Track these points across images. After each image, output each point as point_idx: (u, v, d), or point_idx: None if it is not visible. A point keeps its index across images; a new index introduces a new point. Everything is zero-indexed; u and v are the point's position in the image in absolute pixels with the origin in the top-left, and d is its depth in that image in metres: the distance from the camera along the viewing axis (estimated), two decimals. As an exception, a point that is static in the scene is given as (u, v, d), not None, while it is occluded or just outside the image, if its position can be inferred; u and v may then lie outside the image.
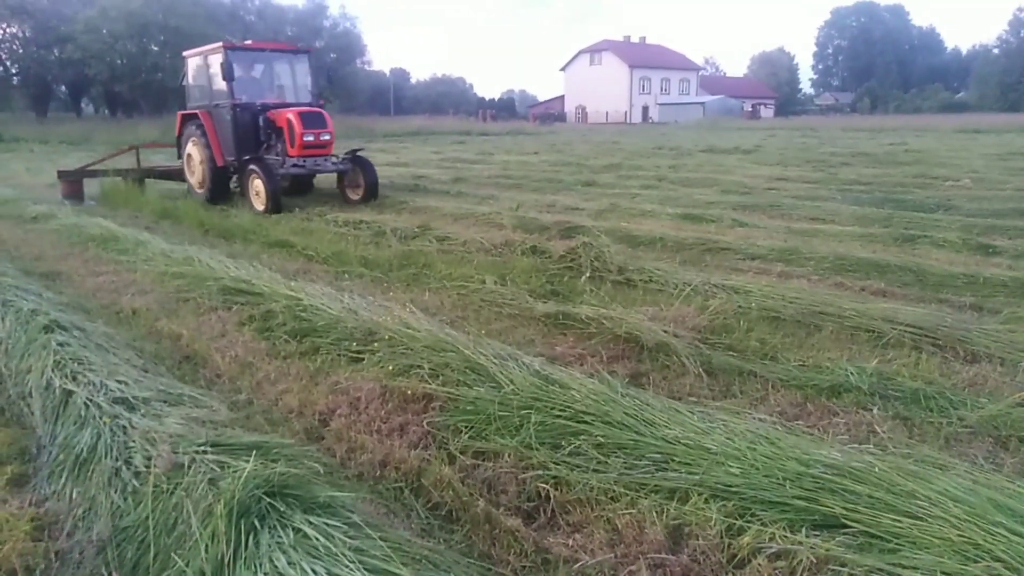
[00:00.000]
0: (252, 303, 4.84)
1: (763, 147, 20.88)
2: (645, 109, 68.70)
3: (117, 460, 2.60)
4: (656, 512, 2.35)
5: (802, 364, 3.70)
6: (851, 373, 3.46)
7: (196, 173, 11.21)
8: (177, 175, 12.03)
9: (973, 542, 1.98)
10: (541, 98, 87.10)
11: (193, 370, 3.86)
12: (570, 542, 2.31)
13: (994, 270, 5.49)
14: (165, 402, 3.04)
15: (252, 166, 9.93)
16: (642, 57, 71.97)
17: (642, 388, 3.45)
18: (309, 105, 10.70)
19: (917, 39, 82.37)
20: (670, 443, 2.67)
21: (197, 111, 10.89)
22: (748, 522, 2.25)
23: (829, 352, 3.88)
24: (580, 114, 69.83)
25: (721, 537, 2.22)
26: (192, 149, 11.09)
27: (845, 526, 2.15)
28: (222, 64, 10.12)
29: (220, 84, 10.62)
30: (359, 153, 11.01)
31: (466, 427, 3.02)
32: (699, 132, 35.51)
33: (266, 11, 56.52)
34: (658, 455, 2.62)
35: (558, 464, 2.66)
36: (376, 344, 3.84)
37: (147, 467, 2.46)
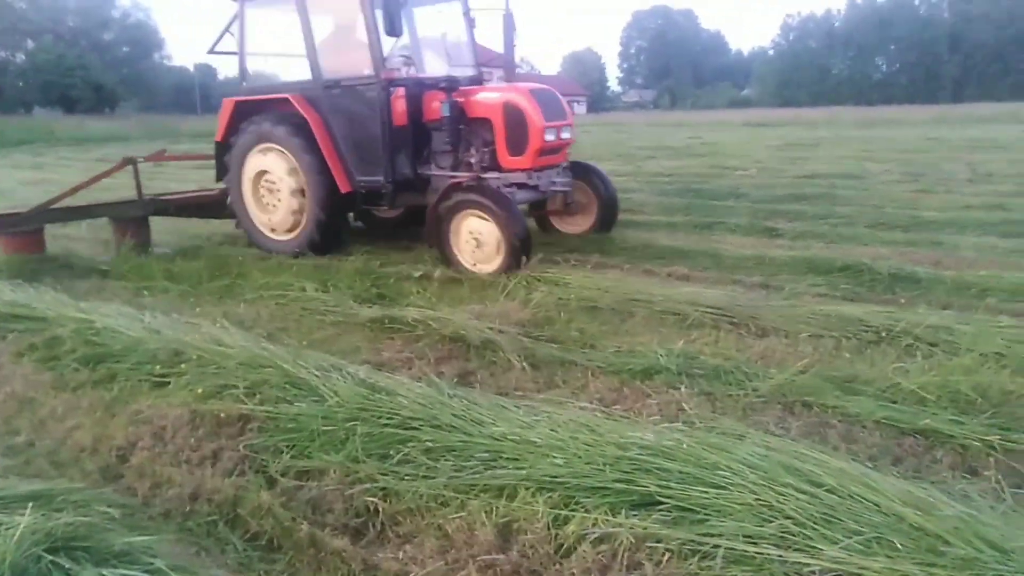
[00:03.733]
0: (33, 329, 4.27)
1: (578, 143, 21.87)
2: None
3: None
4: (486, 512, 2.35)
5: (618, 350, 3.90)
6: (661, 355, 3.69)
7: (279, 208, 6.51)
8: (210, 209, 7.48)
9: (768, 504, 2.17)
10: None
11: (-44, 414, 3.33)
12: (400, 555, 2.25)
13: (777, 251, 6.13)
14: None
15: (465, 195, 5.59)
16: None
17: (470, 387, 3.46)
18: (457, 80, 6.23)
19: (706, 41, 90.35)
20: (498, 440, 2.69)
21: (278, 97, 6.43)
22: (573, 510, 2.31)
23: (641, 337, 4.12)
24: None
25: (548, 529, 2.26)
26: (268, 165, 6.48)
27: (660, 503, 2.28)
28: (378, 7, 5.61)
29: (350, 44, 6.47)
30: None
31: (288, 446, 2.85)
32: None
33: (41, -3, 50.41)
34: (486, 454, 2.62)
35: (386, 475, 2.59)
36: (183, 365, 3.53)
37: None
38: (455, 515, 2.37)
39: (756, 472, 2.32)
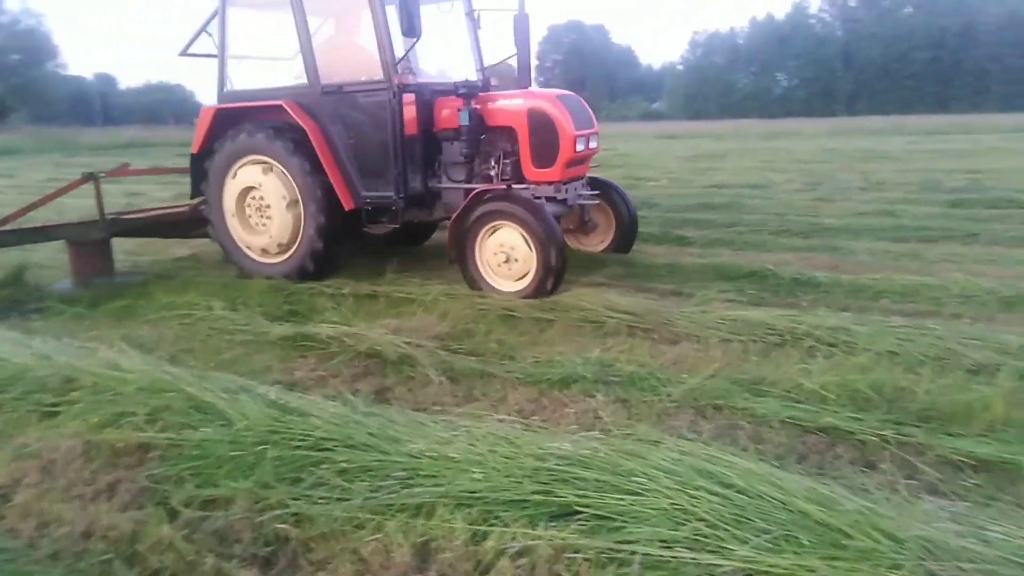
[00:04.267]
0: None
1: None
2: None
3: None
4: (403, 533, 2.29)
5: (537, 360, 3.91)
6: (579, 364, 3.73)
7: (268, 228, 5.91)
8: (179, 227, 6.79)
9: (682, 508, 2.21)
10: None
11: None
12: (313, 583, 2.17)
13: (688, 258, 6.32)
14: None
15: (496, 205, 5.14)
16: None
17: (387, 404, 3.40)
18: (476, 86, 5.76)
19: (618, 55, 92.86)
20: (415, 457, 2.63)
21: (269, 104, 5.79)
22: (492, 525, 2.29)
23: (560, 346, 4.15)
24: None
25: (467, 546, 2.23)
26: (257, 180, 5.84)
27: (578, 512, 2.28)
28: (390, 4, 5.32)
29: (354, 45, 6.03)
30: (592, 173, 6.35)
31: (192, 475, 2.71)
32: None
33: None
34: (403, 472, 2.57)
35: (298, 499, 2.49)
36: (76, 393, 3.31)
37: None
38: (371, 537, 2.30)
39: (670, 477, 2.36)
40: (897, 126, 30.16)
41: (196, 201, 6.55)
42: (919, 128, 28.17)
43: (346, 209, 5.66)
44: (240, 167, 5.96)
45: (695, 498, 2.25)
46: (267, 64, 6.56)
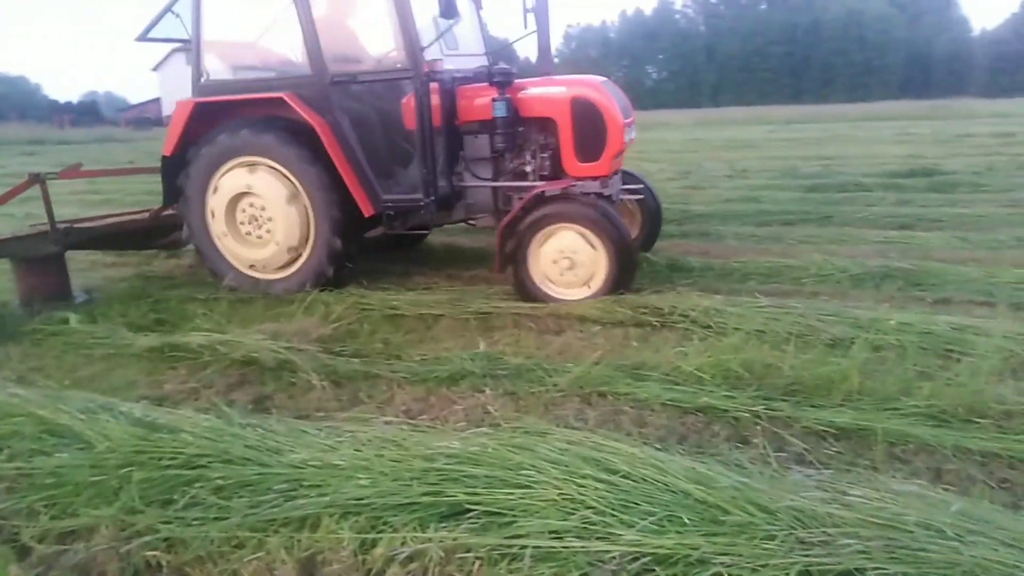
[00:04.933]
0: None
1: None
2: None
3: None
4: (286, 548, 2.19)
5: (423, 358, 3.86)
6: (466, 359, 3.71)
7: (267, 239, 5.25)
8: (139, 237, 6.00)
9: (570, 498, 2.24)
10: (133, 100, 77.72)
11: None
12: (189, 612, 2.03)
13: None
14: None
15: (559, 206, 4.69)
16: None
17: (266, 413, 3.24)
18: (511, 72, 4.97)
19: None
20: (298, 468, 2.52)
21: (265, 97, 5.12)
22: (380, 532, 2.23)
23: (447, 343, 4.12)
24: (183, 117, 63.67)
25: (355, 555, 2.16)
26: (253, 185, 5.14)
27: (469, 511, 2.26)
28: None
29: (368, 28, 5.44)
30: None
31: (46, 506, 2.47)
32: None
33: None
34: (286, 484, 2.45)
35: (170, 522, 2.33)
36: (-98, 425, 2.93)
37: None
38: (252, 556, 2.18)
39: (558, 467, 2.38)
40: (757, 116, 32.18)
41: (158, 207, 5.84)
42: (777, 118, 30.21)
43: (366, 216, 5.09)
44: (230, 170, 5.20)
45: (583, 487, 2.28)
46: (255, 51, 5.69)
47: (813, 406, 3.08)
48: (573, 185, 4.82)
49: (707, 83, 70.18)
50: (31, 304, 5.02)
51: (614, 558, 2.02)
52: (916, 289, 4.85)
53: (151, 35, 5.81)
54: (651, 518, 2.12)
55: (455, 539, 2.16)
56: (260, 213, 5.22)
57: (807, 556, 1.90)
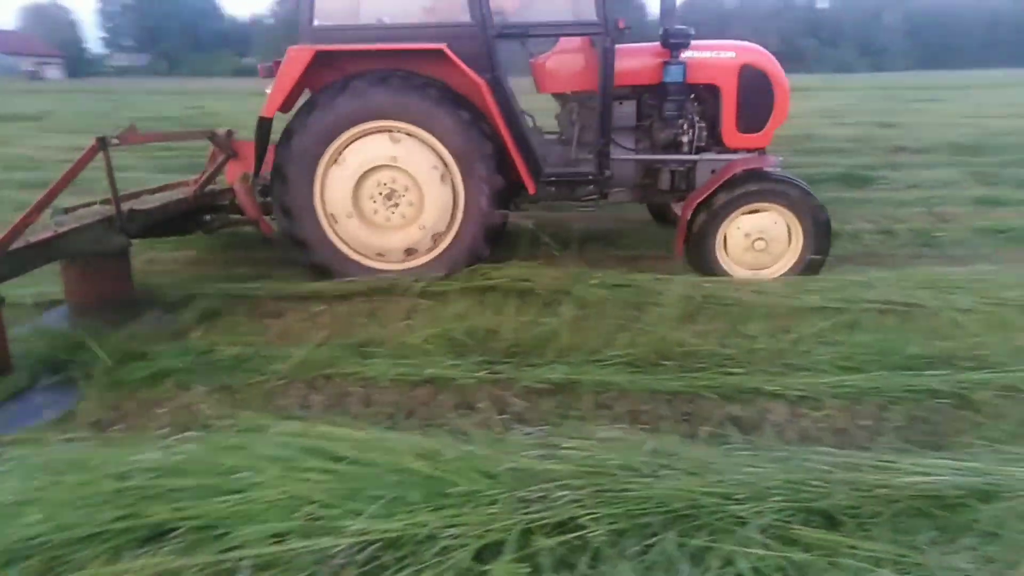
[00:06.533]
0: None
1: (54, 113, 18.42)
2: None
3: None
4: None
5: (117, 359, 3.35)
6: (171, 354, 3.31)
7: (402, 221, 4.39)
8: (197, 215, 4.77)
9: (293, 494, 2.09)
10: None
11: None
12: None
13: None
14: None
15: (758, 184, 4.24)
16: None
17: None
18: (687, 33, 4.37)
19: (196, 5, 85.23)
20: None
21: (416, 48, 4.15)
22: (60, 573, 1.88)
23: (146, 339, 3.62)
24: None
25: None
26: (395, 157, 4.22)
27: (174, 530, 2.00)
28: None
29: None
30: None
31: None
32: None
33: None
34: (-76, 538, 1.96)
35: None
36: None
37: None
38: None
39: (279, 463, 2.22)
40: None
41: (201, 176, 4.91)
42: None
43: (531, 193, 4.56)
44: (362, 138, 4.29)
45: (307, 480, 2.15)
46: None
47: (531, 365, 3.24)
48: (761, 159, 4.56)
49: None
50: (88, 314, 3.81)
51: (341, 551, 1.92)
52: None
53: None
54: (380, 502, 2.05)
55: (157, 564, 1.89)
56: (402, 191, 4.40)
57: (528, 514, 1.98)
